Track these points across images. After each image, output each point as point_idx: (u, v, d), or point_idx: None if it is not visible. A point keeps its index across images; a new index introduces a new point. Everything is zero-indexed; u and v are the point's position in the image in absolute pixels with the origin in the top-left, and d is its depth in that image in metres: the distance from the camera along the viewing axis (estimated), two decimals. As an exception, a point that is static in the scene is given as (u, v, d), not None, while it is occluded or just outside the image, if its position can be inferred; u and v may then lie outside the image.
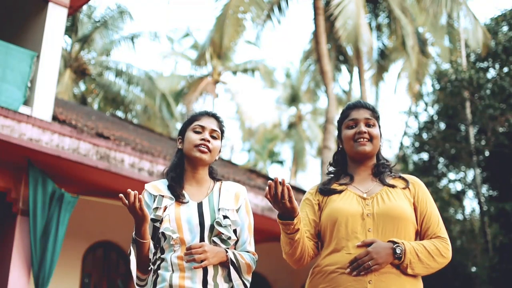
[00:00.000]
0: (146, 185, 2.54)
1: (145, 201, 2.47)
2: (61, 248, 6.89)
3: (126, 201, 2.29)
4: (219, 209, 2.46)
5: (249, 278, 2.46)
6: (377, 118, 2.50)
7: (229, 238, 2.43)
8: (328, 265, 2.30)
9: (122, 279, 9.24)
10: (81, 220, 8.18)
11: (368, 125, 2.46)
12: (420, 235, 2.41)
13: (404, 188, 2.43)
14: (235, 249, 2.49)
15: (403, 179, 2.48)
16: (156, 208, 2.43)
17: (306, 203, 2.50)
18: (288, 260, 2.42)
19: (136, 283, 2.45)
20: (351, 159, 2.51)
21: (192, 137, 2.52)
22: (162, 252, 2.41)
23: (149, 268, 2.41)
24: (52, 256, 6.75)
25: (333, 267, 2.27)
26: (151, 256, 2.40)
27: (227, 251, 2.40)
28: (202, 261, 2.30)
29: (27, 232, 6.85)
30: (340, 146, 2.55)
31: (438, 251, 2.32)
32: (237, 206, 2.52)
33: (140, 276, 2.42)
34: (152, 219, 2.42)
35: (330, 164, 2.61)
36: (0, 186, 6.90)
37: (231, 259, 2.39)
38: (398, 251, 2.23)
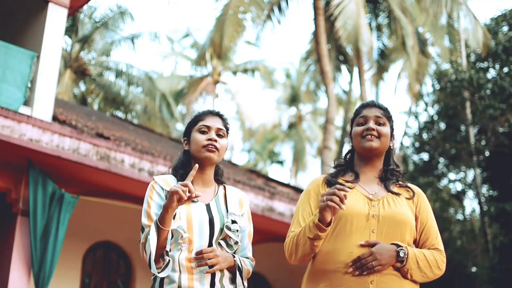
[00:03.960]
0: (156, 177, 2.50)
1: (157, 192, 2.44)
2: (61, 248, 6.89)
3: (189, 185, 2.21)
4: (228, 213, 2.47)
5: (246, 284, 2.48)
6: (388, 118, 2.50)
7: (236, 243, 2.44)
8: (329, 263, 2.29)
9: (123, 280, 9.24)
10: (81, 221, 8.18)
11: (378, 123, 2.46)
12: (417, 245, 2.42)
13: (408, 198, 2.44)
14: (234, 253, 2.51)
15: (409, 189, 2.49)
16: None
17: (312, 196, 2.46)
18: (295, 258, 2.37)
19: (153, 268, 2.32)
20: (358, 156, 2.51)
21: (198, 137, 2.50)
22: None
23: (165, 258, 2.32)
24: (52, 257, 6.75)
25: (335, 266, 2.26)
26: (168, 247, 2.32)
27: (234, 257, 2.42)
28: (213, 265, 2.31)
29: (27, 233, 6.85)
30: (352, 145, 2.55)
31: (436, 263, 2.35)
32: (241, 212, 2.54)
33: (155, 265, 2.32)
34: None
35: (336, 161, 2.60)
36: (0, 186, 6.90)
37: (238, 265, 2.41)
38: (401, 254, 2.24)
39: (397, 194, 2.42)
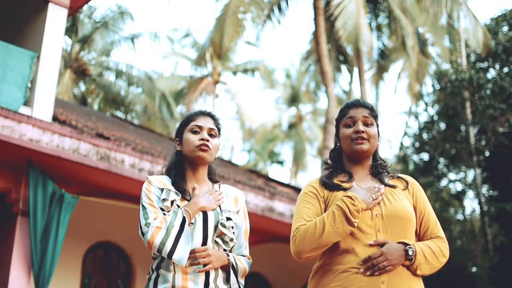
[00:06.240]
0: (149, 177, 2.50)
1: (154, 187, 2.44)
2: (61, 248, 6.89)
3: None
4: (222, 210, 2.47)
5: (243, 282, 2.49)
6: (375, 117, 2.49)
7: (231, 239, 2.45)
8: (339, 264, 2.28)
9: (123, 280, 9.24)
10: (82, 221, 8.18)
11: (366, 124, 2.45)
12: (419, 235, 2.44)
13: (404, 189, 2.45)
14: (230, 251, 2.51)
15: (402, 179, 2.50)
16: (164, 200, 2.40)
17: (311, 196, 2.43)
18: (309, 247, 2.28)
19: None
20: (348, 157, 2.50)
21: (191, 138, 2.52)
22: None
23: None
24: (53, 257, 6.75)
25: (345, 266, 2.26)
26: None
27: (228, 255, 2.42)
28: (205, 264, 2.32)
29: (27, 233, 6.85)
30: (338, 144, 2.55)
31: (441, 251, 2.37)
32: (236, 209, 2.55)
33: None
34: (160, 208, 2.40)
35: (325, 163, 2.59)
36: (0, 186, 6.90)
37: (232, 263, 2.42)
38: (410, 252, 2.26)
39: (393, 186, 2.43)
